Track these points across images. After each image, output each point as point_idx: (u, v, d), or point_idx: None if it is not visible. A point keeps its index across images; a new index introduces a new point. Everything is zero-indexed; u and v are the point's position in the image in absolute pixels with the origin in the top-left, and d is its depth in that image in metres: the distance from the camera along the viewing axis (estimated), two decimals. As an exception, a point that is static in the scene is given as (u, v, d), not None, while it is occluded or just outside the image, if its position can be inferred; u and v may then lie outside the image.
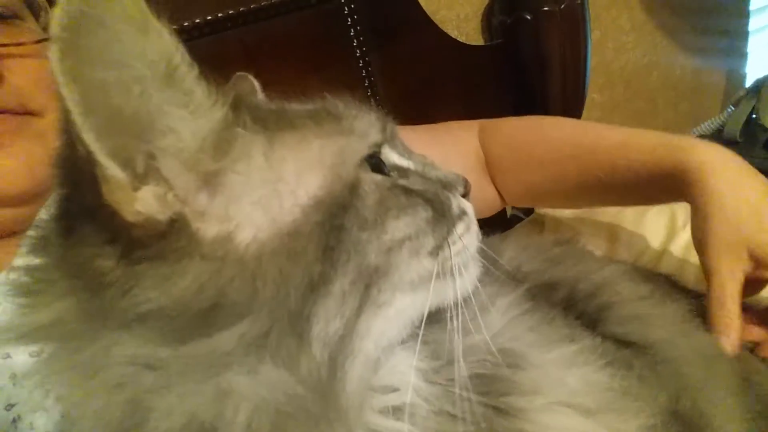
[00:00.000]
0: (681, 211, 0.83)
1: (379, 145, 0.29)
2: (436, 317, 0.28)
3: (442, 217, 0.29)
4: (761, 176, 0.47)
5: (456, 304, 0.29)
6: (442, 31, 1.06)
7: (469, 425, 0.25)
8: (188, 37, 0.82)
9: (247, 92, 0.37)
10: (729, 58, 1.56)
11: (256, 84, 0.38)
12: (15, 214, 0.45)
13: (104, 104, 0.20)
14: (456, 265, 0.29)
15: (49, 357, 0.24)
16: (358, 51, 0.95)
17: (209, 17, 0.84)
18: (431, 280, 0.27)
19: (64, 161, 0.22)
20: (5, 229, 0.45)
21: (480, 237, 0.33)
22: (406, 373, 0.26)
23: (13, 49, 0.45)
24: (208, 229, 0.23)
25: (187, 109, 0.22)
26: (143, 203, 0.22)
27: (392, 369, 0.27)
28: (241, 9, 0.86)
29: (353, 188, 0.26)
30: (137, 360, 0.22)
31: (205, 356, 0.22)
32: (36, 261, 0.25)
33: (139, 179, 0.22)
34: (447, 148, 0.65)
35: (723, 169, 0.45)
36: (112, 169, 0.21)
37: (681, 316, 0.41)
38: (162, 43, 0.21)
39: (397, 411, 0.25)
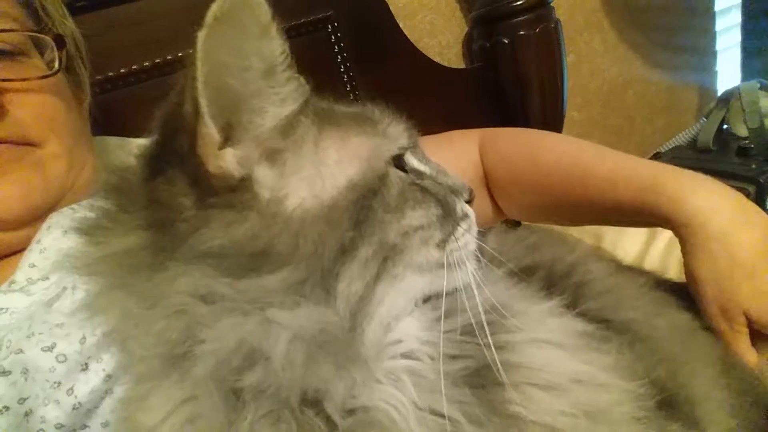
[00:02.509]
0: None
1: (405, 149, 0.35)
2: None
3: (449, 217, 0.33)
4: (761, 217, 0.44)
5: (455, 290, 0.33)
6: (426, 56, 1.12)
7: (466, 361, 0.29)
8: (168, 72, 0.85)
9: None
10: (700, 75, 1.64)
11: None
12: (10, 238, 0.47)
13: (220, 80, 0.26)
14: (458, 259, 0.33)
15: (109, 287, 0.28)
16: (345, 76, 1.00)
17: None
18: (437, 268, 0.32)
19: (169, 114, 0.28)
20: (0, 252, 0.47)
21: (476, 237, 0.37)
22: (413, 328, 0.31)
23: (17, 84, 0.48)
24: (264, 192, 0.28)
25: (277, 97, 0.28)
26: (225, 160, 0.27)
27: (402, 327, 0.31)
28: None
29: (382, 178, 0.31)
30: (197, 291, 0.26)
31: (254, 292, 0.26)
32: (104, 203, 0.30)
33: (227, 141, 0.27)
34: (447, 159, 0.65)
35: (715, 222, 0.41)
36: (210, 129, 0.26)
37: (648, 288, 0.44)
38: (275, 45, 0.27)
39: (406, 356, 0.30)
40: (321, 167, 0.29)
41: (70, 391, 0.34)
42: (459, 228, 0.34)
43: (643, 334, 0.39)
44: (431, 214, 0.32)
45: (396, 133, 0.34)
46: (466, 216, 0.36)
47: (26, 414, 0.34)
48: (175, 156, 0.27)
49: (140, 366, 0.28)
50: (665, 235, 0.83)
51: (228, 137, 0.27)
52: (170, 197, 0.27)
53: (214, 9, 0.25)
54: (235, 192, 0.27)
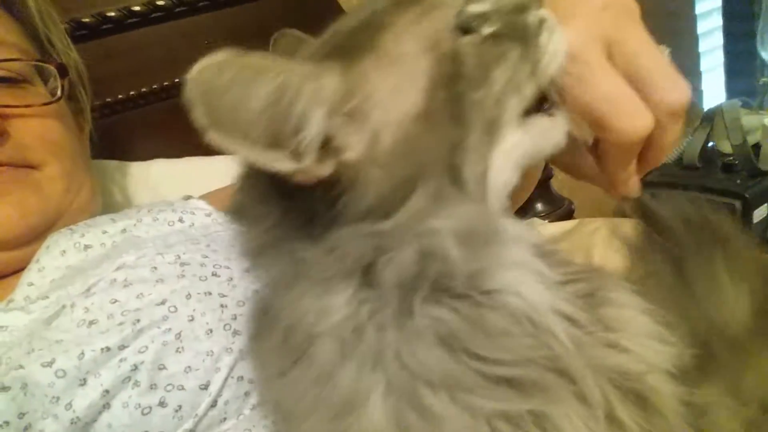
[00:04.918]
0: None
1: (462, 13, 0.31)
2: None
3: (527, 43, 0.31)
4: None
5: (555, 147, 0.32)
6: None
7: (576, 285, 0.30)
8: (165, 97, 0.87)
9: (297, 45, 0.39)
10: (685, 95, 1.68)
11: (302, 35, 0.41)
12: (8, 258, 0.48)
13: (252, 129, 0.25)
14: (554, 69, 0.31)
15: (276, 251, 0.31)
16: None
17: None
18: (534, 107, 0.31)
19: (247, 173, 0.32)
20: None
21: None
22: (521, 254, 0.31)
23: (21, 110, 0.50)
24: (360, 146, 0.28)
25: (316, 102, 0.27)
26: (312, 171, 0.27)
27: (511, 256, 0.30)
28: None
29: (454, 58, 0.29)
30: (372, 235, 0.28)
31: (409, 218, 0.28)
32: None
33: (297, 158, 0.27)
34: None
35: None
36: (274, 163, 0.26)
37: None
38: (264, 84, 0.25)
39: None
40: (394, 87, 0.29)
41: (68, 405, 0.35)
42: (540, 40, 0.31)
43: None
44: (513, 57, 0.30)
45: None
46: (542, 21, 0.31)
47: (25, 429, 0.35)
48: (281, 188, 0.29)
49: (315, 275, 0.29)
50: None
51: (296, 155, 0.27)
52: (310, 205, 0.29)
53: (189, 92, 0.23)
54: (340, 179, 0.28)
